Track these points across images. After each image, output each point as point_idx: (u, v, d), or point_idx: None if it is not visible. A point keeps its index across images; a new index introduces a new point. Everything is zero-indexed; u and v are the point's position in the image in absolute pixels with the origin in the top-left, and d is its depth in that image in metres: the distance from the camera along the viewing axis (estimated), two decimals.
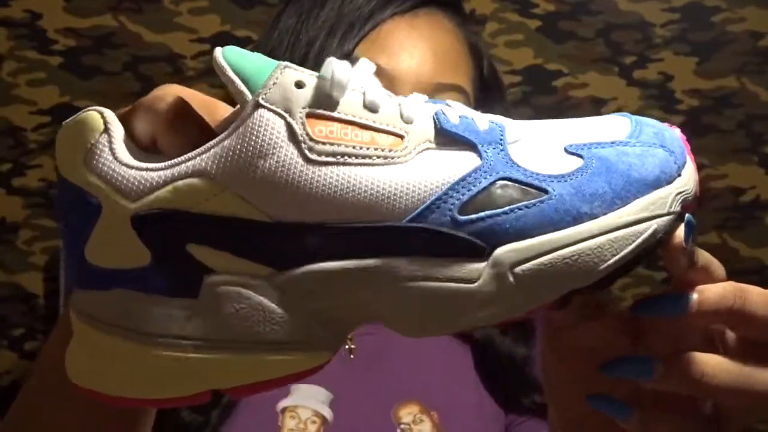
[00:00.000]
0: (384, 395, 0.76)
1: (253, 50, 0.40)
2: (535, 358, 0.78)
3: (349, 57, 0.77)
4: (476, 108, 0.80)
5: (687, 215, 0.39)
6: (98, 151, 0.36)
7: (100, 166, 0.36)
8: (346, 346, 0.82)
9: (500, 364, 0.79)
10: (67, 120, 0.37)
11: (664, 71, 1.19)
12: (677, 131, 0.41)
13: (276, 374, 0.37)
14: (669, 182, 0.39)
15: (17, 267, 1.18)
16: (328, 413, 0.78)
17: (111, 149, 0.36)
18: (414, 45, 0.81)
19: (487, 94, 0.86)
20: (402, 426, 0.75)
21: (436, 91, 0.80)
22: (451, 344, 0.82)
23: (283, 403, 0.77)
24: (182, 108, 0.38)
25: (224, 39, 1.13)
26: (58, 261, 1.15)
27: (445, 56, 0.82)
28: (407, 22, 0.82)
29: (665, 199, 0.39)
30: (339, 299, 0.37)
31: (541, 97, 1.19)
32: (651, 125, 0.41)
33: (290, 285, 0.36)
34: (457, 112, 0.39)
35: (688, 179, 0.40)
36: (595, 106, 1.20)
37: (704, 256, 0.42)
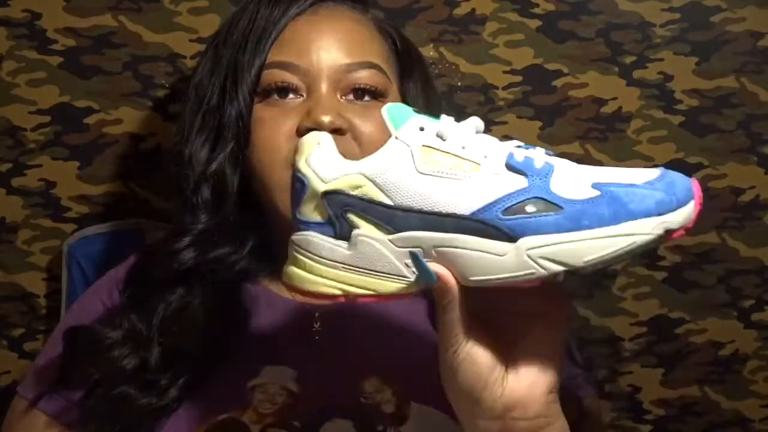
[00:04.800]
0: (347, 370, 0.83)
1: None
2: None
3: (264, 64, 0.87)
4: (399, 80, 0.94)
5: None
6: (312, 156, 0.63)
7: (312, 163, 0.63)
8: (313, 329, 0.89)
9: None
10: (302, 138, 0.64)
11: (664, 71, 1.20)
12: (693, 182, 0.59)
13: (383, 291, 0.62)
14: (660, 214, 0.57)
15: (17, 267, 1.18)
16: (294, 387, 0.85)
17: (320, 155, 0.63)
18: (319, 36, 0.89)
19: (405, 66, 0.95)
20: (364, 396, 0.82)
21: (348, 71, 0.88)
22: (414, 319, 0.88)
23: (252, 382, 0.84)
24: None
25: None
26: (58, 261, 1.15)
27: (350, 39, 0.90)
28: (309, 19, 0.90)
29: (649, 224, 0.57)
30: (423, 255, 0.60)
31: (541, 97, 1.19)
32: (671, 177, 0.59)
33: (398, 241, 0.61)
34: (523, 154, 0.61)
35: (678, 215, 0.58)
36: (595, 106, 1.20)
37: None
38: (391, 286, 0.61)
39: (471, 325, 0.62)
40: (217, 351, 0.84)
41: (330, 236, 0.62)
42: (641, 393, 1.26)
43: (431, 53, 1.17)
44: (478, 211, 0.59)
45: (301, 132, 0.85)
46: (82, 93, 1.16)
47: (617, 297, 1.24)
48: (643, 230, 0.57)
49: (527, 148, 0.62)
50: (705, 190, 1.21)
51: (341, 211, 0.61)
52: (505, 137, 1.19)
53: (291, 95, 0.87)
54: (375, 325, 0.86)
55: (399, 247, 0.61)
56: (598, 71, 1.19)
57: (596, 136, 1.20)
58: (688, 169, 1.21)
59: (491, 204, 0.58)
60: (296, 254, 0.64)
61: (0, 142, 1.16)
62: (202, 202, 0.87)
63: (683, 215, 0.58)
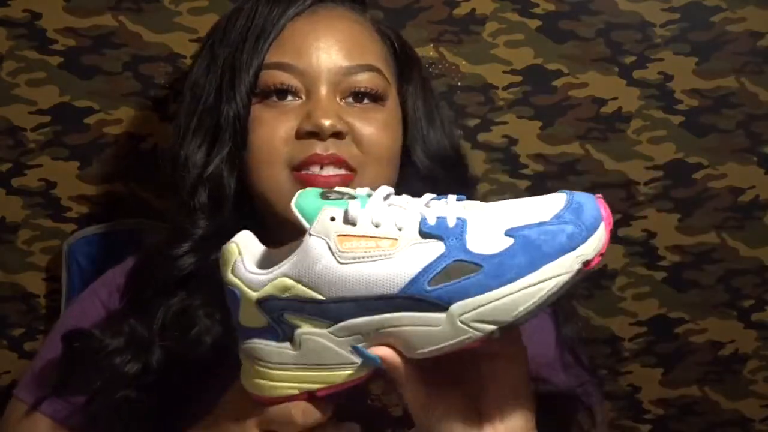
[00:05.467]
0: None
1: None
2: None
3: (262, 64, 0.86)
4: (397, 81, 0.93)
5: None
6: (236, 266, 0.64)
7: (238, 273, 0.64)
8: None
9: None
10: (222, 249, 0.65)
11: (664, 71, 1.20)
12: (598, 202, 0.61)
13: (338, 381, 0.63)
14: (573, 249, 0.59)
15: (17, 267, 1.18)
16: None
17: (243, 264, 0.64)
18: (317, 38, 0.88)
19: (404, 68, 0.95)
20: (372, 398, 0.83)
21: (348, 74, 0.87)
22: None
23: None
24: None
25: None
26: (58, 261, 1.15)
27: (349, 41, 0.89)
28: (308, 20, 0.89)
29: (566, 262, 0.59)
30: (366, 339, 0.62)
31: (541, 97, 1.19)
32: (577, 201, 0.60)
33: (339, 332, 0.62)
34: (435, 214, 0.61)
35: (590, 245, 0.59)
36: (595, 106, 1.20)
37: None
38: (344, 375, 0.63)
39: (435, 389, 0.64)
40: (220, 354, 0.84)
41: (274, 341, 0.63)
42: (641, 393, 1.26)
43: (431, 53, 1.17)
44: (406, 287, 0.60)
45: (300, 134, 0.84)
46: (82, 93, 1.16)
47: (617, 297, 1.24)
48: (561, 270, 0.59)
49: (439, 199, 0.63)
50: (705, 190, 1.22)
51: (278, 314, 0.62)
52: (504, 137, 1.20)
53: (290, 97, 0.86)
54: None
55: (340, 337, 0.62)
56: (598, 71, 1.19)
57: (596, 136, 1.20)
58: (688, 169, 1.22)
59: (416, 278, 0.59)
60: (249, 364, 0.65)
61: (0, 142, 1.16)
62: (199, 205, 0.86)
63: (595, 243, 0.59)
